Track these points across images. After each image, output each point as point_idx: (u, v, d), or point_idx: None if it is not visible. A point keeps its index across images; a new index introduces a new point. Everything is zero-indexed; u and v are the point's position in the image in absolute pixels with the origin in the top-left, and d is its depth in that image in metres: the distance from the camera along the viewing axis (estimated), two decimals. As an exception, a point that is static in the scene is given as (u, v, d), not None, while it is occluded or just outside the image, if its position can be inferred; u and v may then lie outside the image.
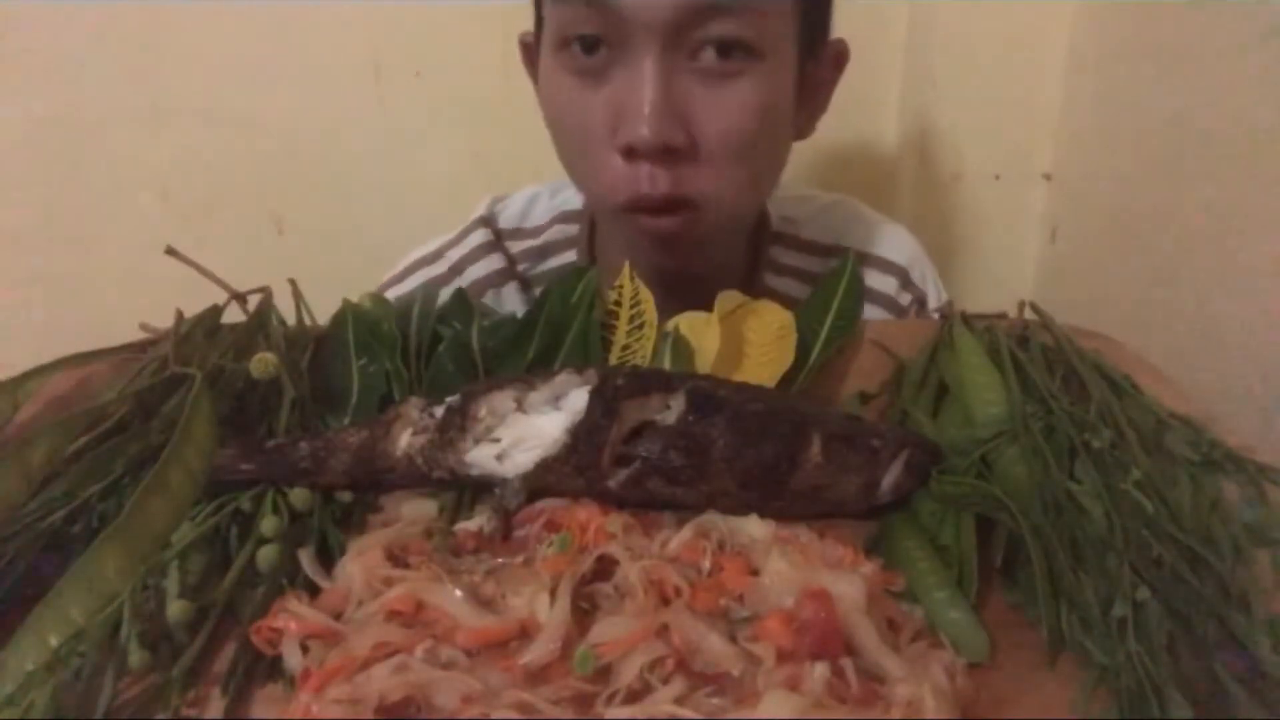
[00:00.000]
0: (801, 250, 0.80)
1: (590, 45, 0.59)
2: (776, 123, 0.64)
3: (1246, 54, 0.72)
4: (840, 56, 0.70)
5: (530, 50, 0.69)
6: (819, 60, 0.67)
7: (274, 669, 0.36)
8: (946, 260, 1.08)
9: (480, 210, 0.83)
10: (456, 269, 0.79)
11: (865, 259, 0.79)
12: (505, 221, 0.82)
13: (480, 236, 0.80)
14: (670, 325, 0.57)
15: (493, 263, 0.80)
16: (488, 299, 0.78)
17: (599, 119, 0.61)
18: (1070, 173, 1.04)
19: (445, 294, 0.70)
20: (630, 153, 0.59)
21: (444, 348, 0.55)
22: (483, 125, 1.06)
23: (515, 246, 0.81)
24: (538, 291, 0.79)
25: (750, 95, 0.60)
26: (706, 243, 0.66)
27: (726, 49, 0.58)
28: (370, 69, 1.06)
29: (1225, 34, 0.74)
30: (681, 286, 0.69)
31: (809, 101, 0.69)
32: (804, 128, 0.71)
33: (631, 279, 0.59)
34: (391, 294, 0.71)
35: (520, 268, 0.81)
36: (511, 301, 0.79)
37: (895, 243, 0.81)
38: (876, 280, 0.78)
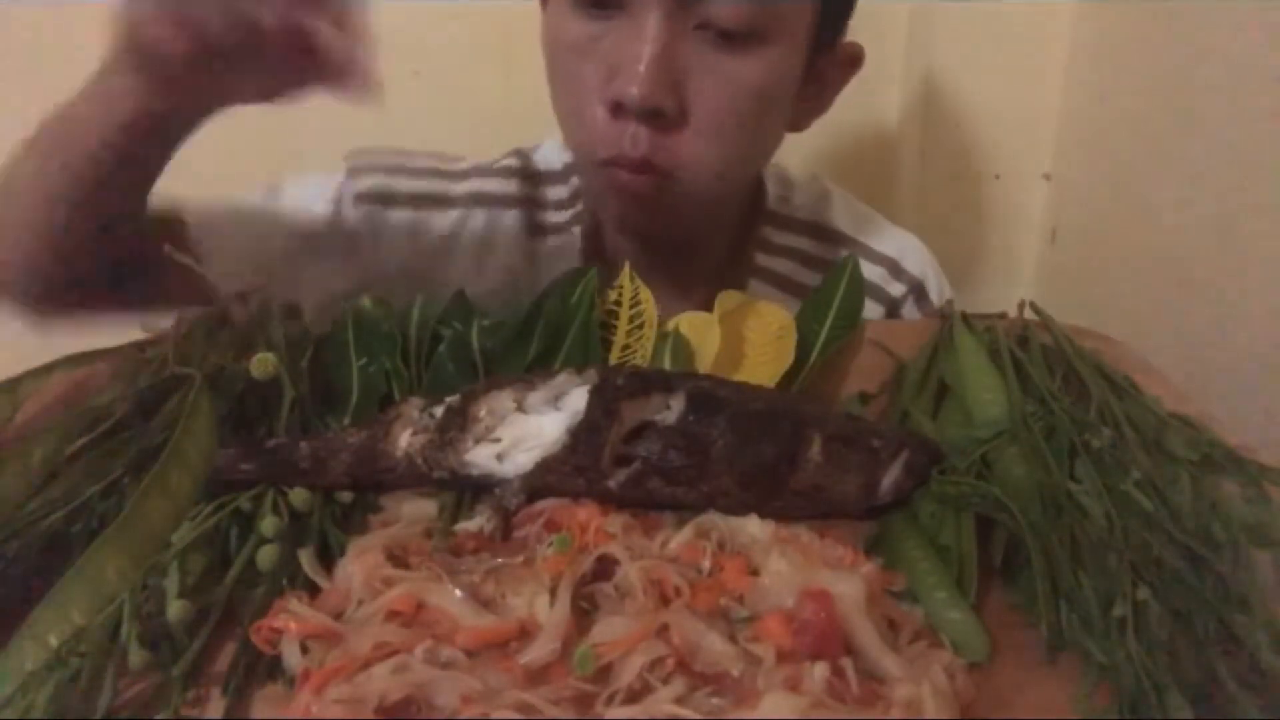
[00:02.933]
0: (792, 230, 0.79)
1: (600, 1, 0.58)
2: (772, 109, 0.63)
3: (1246, 53, 0.72)
4: (852, 60, 0.69)
5: None
6: (830, 57, 0.66)
7: (274, 669, 0.36)
8: (946, 260, 1.07)
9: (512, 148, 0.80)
10: (466, 176, 0.76)
11: (853, 246, 0.78)
12: (543, 165, 0.79)
13: (511, 161, 0.78)
14: (670, 325, 0.57)
15: (507, 186, 0.76)
16: (477, 220, 0.75)
17: (594, 69, 0.59)
18: (1070, 173, 1.04)
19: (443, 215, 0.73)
20: (617, 109, 0.58)
21: (444, 348, 0.55)
22: (483, 125, 1.06)
23: (550, 192, 0.78)
24: (551, 240, 0.76)
25: (751, 75, 0.59)
26: (680, 210, 0.65)
27: (731, 34, 0.57)
28: (370, 69, 1.06)
29: (1225, 33, 0.74)
30: (664, 251, 0.69)
31: (812, 97, 0.68)
32: (800, 121, 0.70)
33: (631, 279, 0.59)
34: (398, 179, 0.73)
35: (546, 215, 0.77)
36: (505, 236, 0.76)
37: (889, 235, 0.79)
38: (862, 268, 0.77)
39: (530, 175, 0.77)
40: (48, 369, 0.50)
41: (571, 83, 0.62)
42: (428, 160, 0.77)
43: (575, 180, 0.77)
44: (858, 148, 1.12)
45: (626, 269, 0.60)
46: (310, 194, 0.72)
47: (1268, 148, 0.69)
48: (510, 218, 0.76)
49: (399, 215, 0.73)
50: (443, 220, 0.75)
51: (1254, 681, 0.35)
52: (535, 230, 0.77)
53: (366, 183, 0.73)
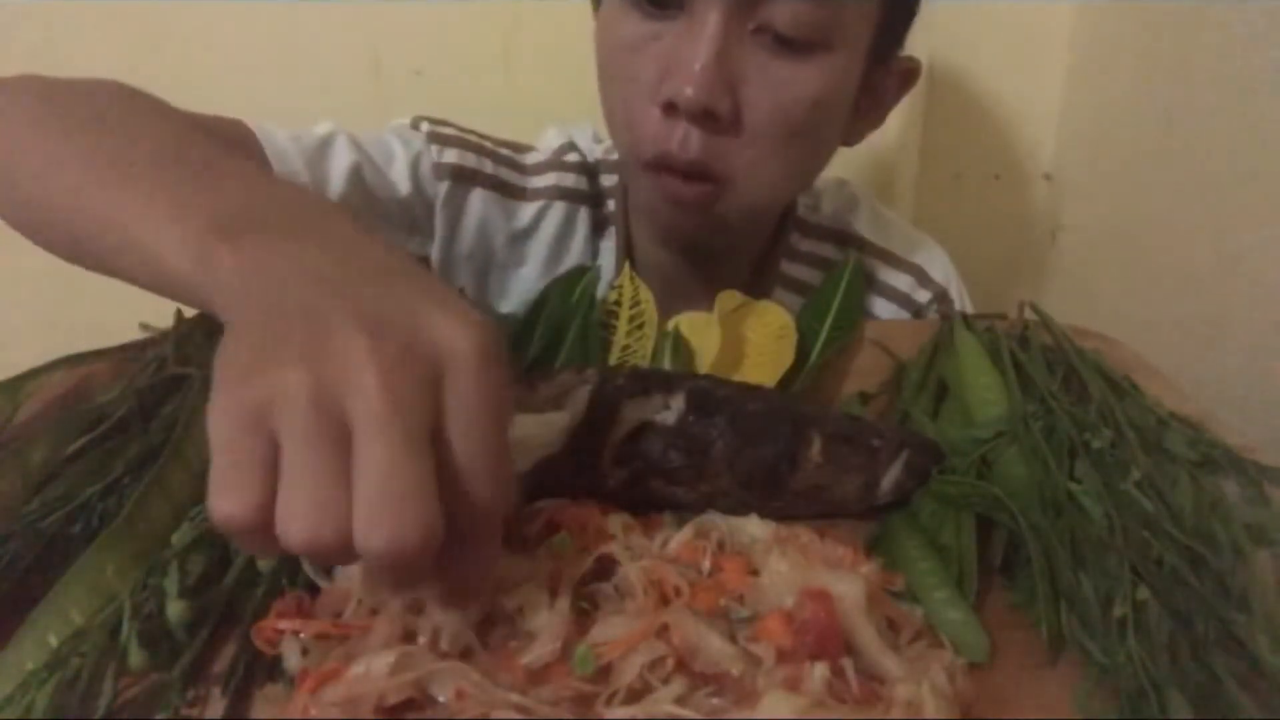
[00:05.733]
0: (817, 237, 0.78)
1: (659, 1, 0.57)
2: (828, 119, 0.62)
3: (1246, 54, 0.72)
4: (909, 74, 0.68)
5: None
6: (888, 70, 0.65)
7: (274, 669, 0.36)
8: (946, 260, 1.08)
9: (559, 139, 0.77)
10: (541, 169, 0.73)
11: (881, 255, 0.77)
12: (590, 156, 0.76)
13: (574, 155, 0.75)
14: (670, 325, 0.57)
15: (580, 183, 0.74)
16: (554, 216, 0.73)
17: (648, 69, 0.58)
18: (1070, 173, 1.04)
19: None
20: (670, 108, 0.57)
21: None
22: (483, 125, 1.06)
23: (604, 184, 0.76)
24: (606, 242, 0.74)
25: (809, 82, 0.58)
26: (727, 220, 0.63)
27: (788, 38, 0.56)
28: (370, 67, 1.06)
29: (1225, 34, 0.74)
30: (696, 257, 0.68)
31: (867, 110, 0.67)
32: (853, 135, 0.68)
33: (631, 279, 0.59)
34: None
35: (605, 210, 0.75)
36: (578, 234, 0.74)
37: (915, 244, 0.79)
38: (891, 277, 0.76)
39: (590, 169, 0.76)
40: (48, 369, 0.50)
41: (624, 82, 0.60)
42: (503, 146, 0.75)
43: (607, 176, 0.76)
44: (858, 148, 1.12)
45: (626, 269, 0.60)
46: (382, 153, 0.68)
47: (1267, 147, 0.69)
48: (583, 215, 0.74)
49: (480, 198, 0.71)
50: (523, 214, 0.73)
51: (1254, 681, 0.35)
52: (598, 227, 0.76)
53: (451, 155, 0.69)
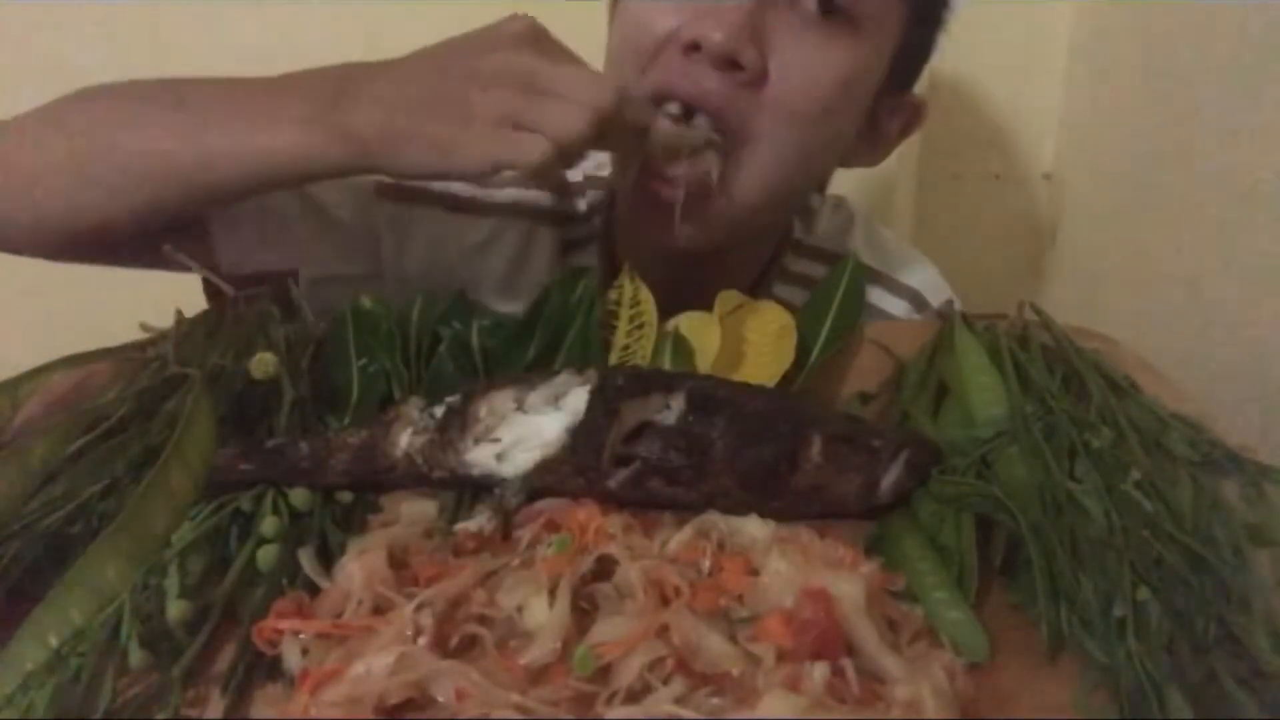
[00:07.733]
0: (811, 258, 0.76)
1: None
2: (845, 111, 0.61)
3: (1246, 53, 0.72)
4: (915, 112, 0.67)
5: None
6: (896, 101, 0.65)
7: (274, 669, 0.36)
8: (947, 260, 1.08)
9: None
10: (503, 183, 0.70)
11: (877, 278, 0.75)
12: (569, 174, 0.74)
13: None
14: (670, 325, 0.57)
15: (543, 198, 0.71)
16: (513, 232, 0.71)
17: (675, 19, 0.56)
18: (1070, 173, 1.04)
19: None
20: (693, 48, 0.55)
21: (444, 348, 0.55)
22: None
23: (578, 204, 0.74)
24: (576, 258, 0.73)
25: (838, 61, 0.57)
26: (715, 226, 0.61)
27: (830, 6, 0.56)
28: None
29: (1224, 33, 0.74)
30: (685, 281, 0.67)
31: (872, 140, 0.66)
32: (852, 158, 0.67)
33: (632, 279, 0.58)
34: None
35: (574, 229, 0.74)
36: (540, 252, 0.71)
37: (911, 267, 0.78)
38: (887, 302, 0.75)
39: (561, 185, 0.74)
40: (48, 369, 0.50)
41: (645, 39, 0.58)
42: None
43: (592, 193, 0.74)
44: (858, 148, 1.13)
45: (626, 268, 0.59)
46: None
47: (1268, 147, 0.69)
48: (545, 233, 0.72)
49: (427, 215, 0.69)
50: (476, 229, 0.70)
51: (1254, 681, 0.35)
52: (564, 247, 0.73)
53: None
